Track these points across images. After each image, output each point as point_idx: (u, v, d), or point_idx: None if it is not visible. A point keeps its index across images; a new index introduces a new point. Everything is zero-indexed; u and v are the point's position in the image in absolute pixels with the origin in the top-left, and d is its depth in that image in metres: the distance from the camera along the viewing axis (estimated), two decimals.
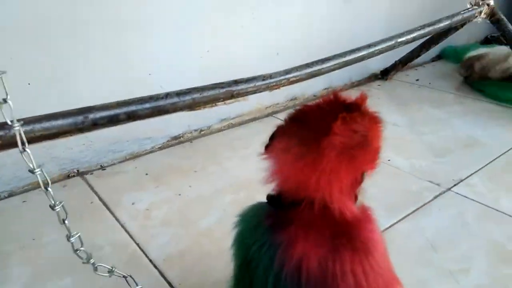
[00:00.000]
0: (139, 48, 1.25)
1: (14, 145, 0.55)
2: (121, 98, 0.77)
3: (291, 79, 0.98)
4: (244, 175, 1.18)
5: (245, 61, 1.49)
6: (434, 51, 2.17)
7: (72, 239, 0.60)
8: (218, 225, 0.98)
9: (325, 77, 1.75)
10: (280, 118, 1.61)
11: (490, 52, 1.74)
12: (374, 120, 0.50)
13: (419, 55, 1.77)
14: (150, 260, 0.87)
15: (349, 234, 0.47)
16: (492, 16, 1.51)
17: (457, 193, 1.08)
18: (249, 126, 1.52)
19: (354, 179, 0.47)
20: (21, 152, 0.55)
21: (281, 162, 0.48)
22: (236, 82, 0.88)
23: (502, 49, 1.73)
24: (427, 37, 1.66)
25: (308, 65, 1.02)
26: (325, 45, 1.65)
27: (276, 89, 0.97)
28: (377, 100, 1.71)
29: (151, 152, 1.35)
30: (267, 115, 1.61)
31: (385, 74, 1.89)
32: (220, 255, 0.88)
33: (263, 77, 0.93)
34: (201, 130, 1.46)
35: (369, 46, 1.16)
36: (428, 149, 1.30)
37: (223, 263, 0.87)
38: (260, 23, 1.51)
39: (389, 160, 1.24)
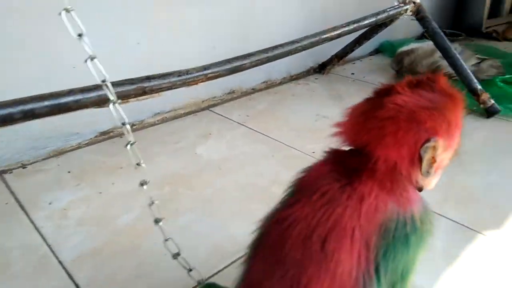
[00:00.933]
0: (62, 39, 1.20)
1: None
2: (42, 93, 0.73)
3: (209, 75, 0.98)
4: (171, 170, 1.18)
5: (179, 54, 1.47)
6: (372, 45, 2.25)
7: None
8: (136, 223, 0.97)
9: (264, 70, 1.78)
10: (218, 112, 1.62)
11: (419, 47, 1.83)
12: (451, 97, 0.51)
13: (353, 50, 1.83)
14: (60, 262, 0.85)
15: (355, 193, 0.49)
16: (417, 13, 1.58)
17: None
18: (183, 120, 1.51)
19: (413, 141, 0.48)
20: None
21: (347, 116, 0.55)
22: (148, 78, 0.87)
23: (430, 45, 1.81)
24: (365, 30, 1.71)
25: (228, 61, 1.02)
26: (265, 38, 1.65)
27: (194, 84, 0.97)
28: (312, 93, 1.75)
29: (78, 148, 1.31)
30: (204, 109, 1.60)
31: (322, 68, 1.93)
32: (133, 253, 0.88)
33: (179, 73, 0.92)
34: (133, 125, 1.43)
35: (292, 42, 1.18)
36: None
37: (136, 261, 0.87)
38: (195, 17, 1.50)
39: (313, 152, 1.28)
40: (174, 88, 0.92)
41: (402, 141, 0.48)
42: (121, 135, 1.39)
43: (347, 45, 1.81)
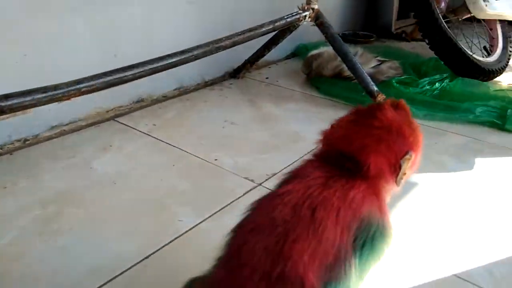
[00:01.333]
0: None
1: None
2: None
3: (83, 89, 0.95)
4: (59, 187, 1.13)
5: (74, 65, 1.40)
6: (290, 48, 2.31)
7: None
8: (11, 247, 0.92)
9: (176, 76, 1.77)
10: (123, 122, 1.58)
11: (326, 50, 1.90)
12: (416, 123, 0.61)
13: (263, 55, 1.87)
14: None
15: (345, 184, 0.54)
16: (316, 19, 1.65)
17: (267, 188, 1.16)
18: (84, 133, 1.46)
19: (399, 151, 0.57)
20: None
21: (335, 125, 0.62)
22: (6, 96, 0.83)
23: None
24: (273, 36, 1.76)
25: (106, 74, 1.00)
26: (170, 45, 1.64)
27: (66, 100, 0.94)
28: (225, 99, 1.77)
29: None
30: (108, 119, 1.55)
31: (237, 72, 1.95)
32: (2, 279, 0.83)
33: (45, 89, 0.89)
34: (26, 140, 1.36)
35: (183, 52, 1.18)
36: (255, 146, 1.38)
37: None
38: (90, 25, 1.44)
39: (216, 159, 1.29)
40: (40, 105, 0.89)
41: (392, 149, 0.57)
42: (11, 152, 1.31)
43: (257, 51, 1.85)
